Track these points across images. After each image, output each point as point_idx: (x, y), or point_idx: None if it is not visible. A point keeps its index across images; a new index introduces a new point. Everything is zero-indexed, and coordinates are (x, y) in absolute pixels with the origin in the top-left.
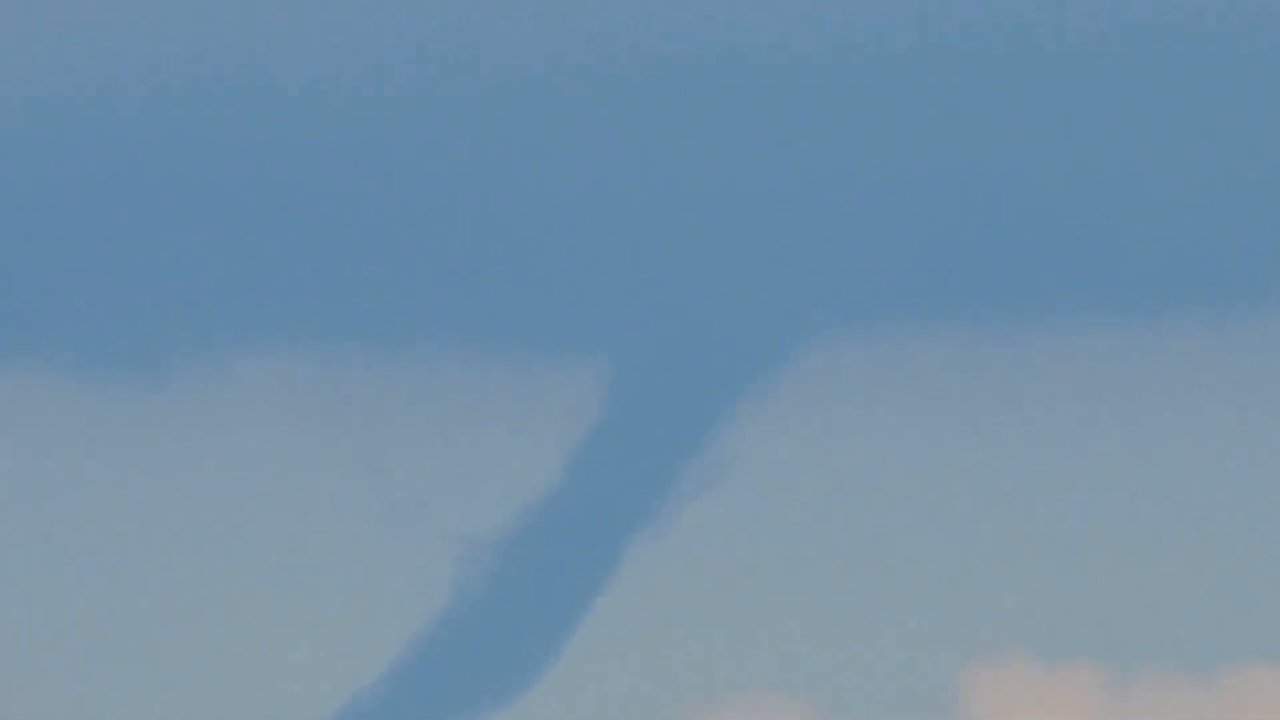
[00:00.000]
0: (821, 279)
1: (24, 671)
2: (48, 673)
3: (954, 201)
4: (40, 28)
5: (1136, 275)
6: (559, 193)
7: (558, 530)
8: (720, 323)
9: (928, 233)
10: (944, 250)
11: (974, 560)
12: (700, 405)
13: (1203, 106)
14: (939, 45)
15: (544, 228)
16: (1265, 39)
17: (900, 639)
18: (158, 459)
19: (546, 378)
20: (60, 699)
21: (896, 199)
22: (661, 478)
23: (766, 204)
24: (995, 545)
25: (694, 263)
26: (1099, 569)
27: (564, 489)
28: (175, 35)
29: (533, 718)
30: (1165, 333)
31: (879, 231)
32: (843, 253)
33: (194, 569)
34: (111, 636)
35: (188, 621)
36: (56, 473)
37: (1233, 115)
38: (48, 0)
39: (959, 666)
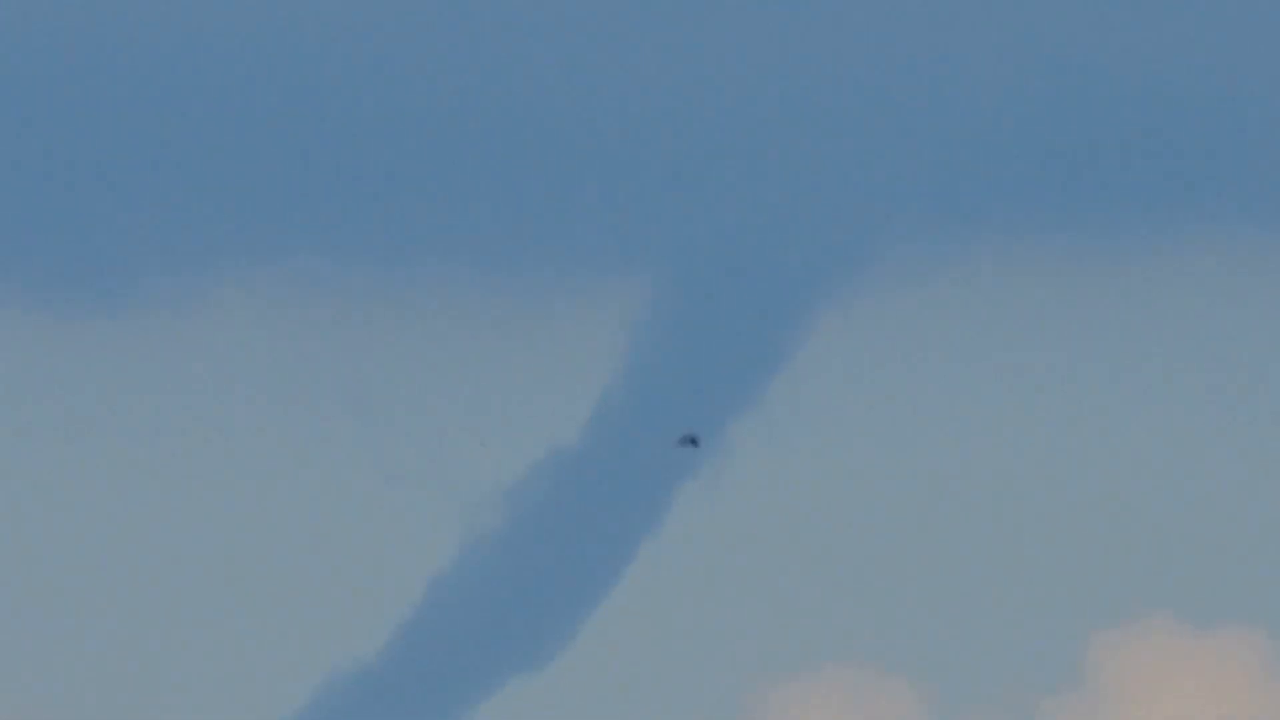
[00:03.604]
0: (901, 174)
1: None
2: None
3: (1059, 93)
4: None
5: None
6: (596, 85)
7: (589, 480)
8: (786, 227)
9: (1023, 127)
10: (1045, 146)
11: (1104, 507)
12: (763, 323)
13: None
14: None
15: (577, 125)
16: None
17: (1019, 603)
18: (124, 395)
19: (580, 297)
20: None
21: (985, 89)
22: (718, 413)
23: (836, 93)
24: (1129, 489)
25: (755, 162)
26: (1258, 518)
27: (598, 430)
28: None
29: (572, 688)
30: None
31: (963, 125)
32: (927, 148)
33: (163, 520)
34: (83, 596)
35: (157, 582)
36: (12, 410)
37: None
38: None
39: (1089, 634)
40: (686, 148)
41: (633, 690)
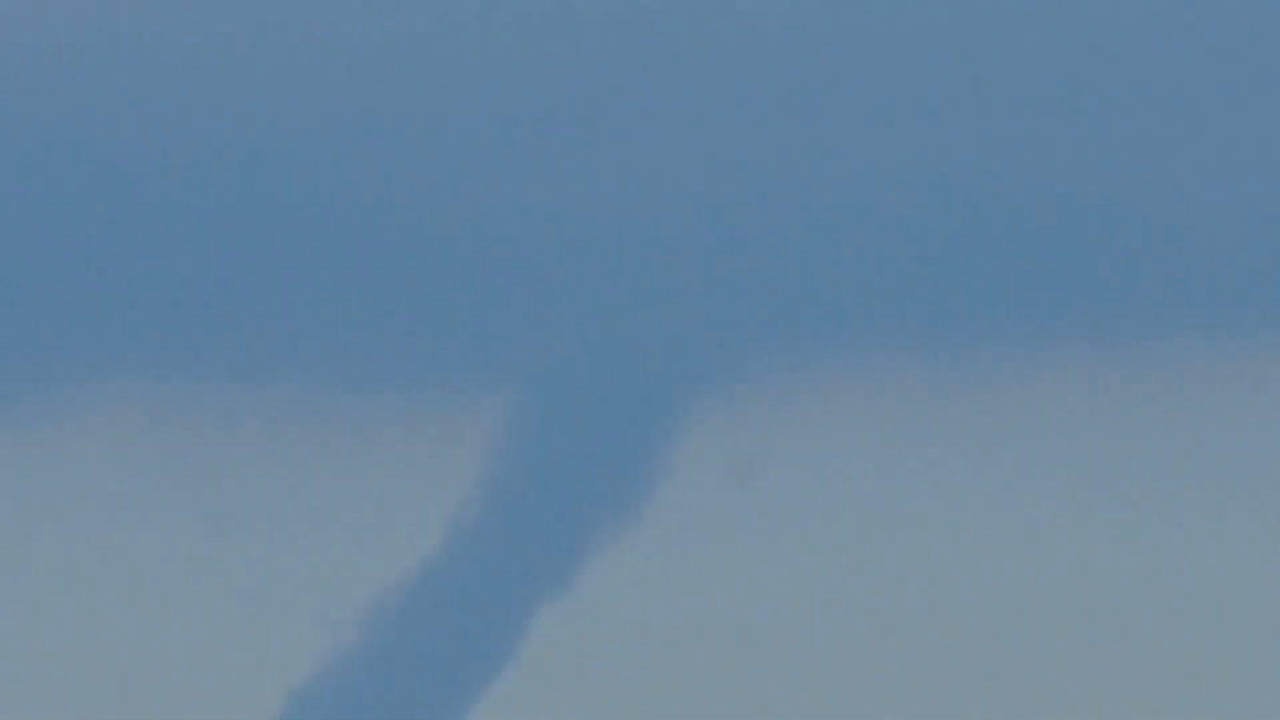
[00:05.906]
0: (768, 291)
1: None
2: None
3: (929, 205)
4: None
5: (1142, 293)
6: (448, 198)
7: (448, 606)
8: (648, 342)
9: (895, 240)
10: (912, 261)
11: (1007, 646)
12: (622, 439)
13: (1212, 111)
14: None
15: (429, 238)
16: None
17: None
18: None
19: (433, 414)
20: None
21: (861, 201)
22: (577, 534)
23: (703, 205)
24: (1029, 625)
25: (613, 274)
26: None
27: (454, 552)
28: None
29: None
30: (1177, 356)
31: (836, 237)
32: (795, 262)
33: (11, 642)
34: None
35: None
36: None
37: (1242, 120)
38: None
39: None
40: (542, 262)
41: None
